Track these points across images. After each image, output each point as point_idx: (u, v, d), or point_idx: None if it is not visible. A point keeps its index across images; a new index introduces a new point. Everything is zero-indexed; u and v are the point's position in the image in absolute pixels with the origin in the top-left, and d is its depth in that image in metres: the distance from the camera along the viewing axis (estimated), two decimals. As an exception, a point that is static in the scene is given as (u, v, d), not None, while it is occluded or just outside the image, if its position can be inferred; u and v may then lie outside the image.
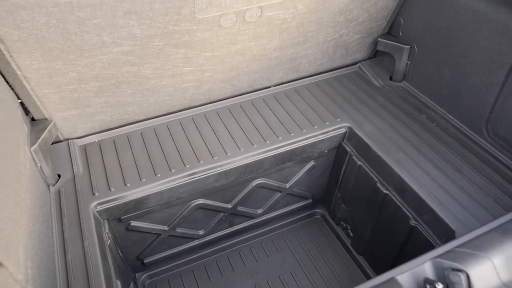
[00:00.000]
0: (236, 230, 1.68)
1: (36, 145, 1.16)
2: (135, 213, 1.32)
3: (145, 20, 1.11)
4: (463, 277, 0.66)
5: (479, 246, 0.73)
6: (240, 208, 1.58)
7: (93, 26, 1.05)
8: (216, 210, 1.52)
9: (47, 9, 0.96)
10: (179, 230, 1.51)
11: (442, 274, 0.70)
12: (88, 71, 1.18)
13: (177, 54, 1.28)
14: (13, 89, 1.13)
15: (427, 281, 0.70)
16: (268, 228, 1.78)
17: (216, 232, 1.65)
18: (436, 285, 0.67)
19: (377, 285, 0.71)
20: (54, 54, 1.08)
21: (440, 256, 0.74)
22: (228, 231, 1.67)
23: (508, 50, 1.21)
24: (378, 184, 1.40)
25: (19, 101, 1.18)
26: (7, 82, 1.09)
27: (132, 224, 1.35)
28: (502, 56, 1.23)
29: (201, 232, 1.59)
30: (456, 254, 0.73)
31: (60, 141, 1.39)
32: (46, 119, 1.28)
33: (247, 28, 1.32)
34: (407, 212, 1.29)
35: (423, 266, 0.73)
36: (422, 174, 1.29)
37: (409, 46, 1.58)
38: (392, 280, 0.72)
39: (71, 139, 1.39)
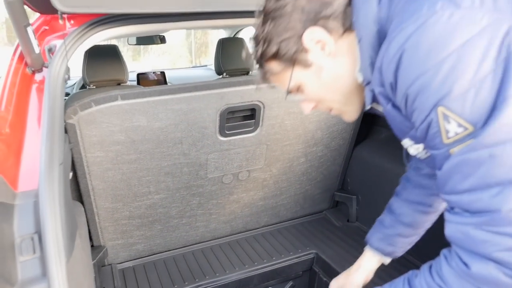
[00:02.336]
0: None
1: (94, 261, 1.71)
2: (156, 317, 1.75)
3: (176, 178, 1.80)
4: None
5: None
6: (236, 323, 1.97)
7: (145, 181, 1.74)
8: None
9: (123, 170, 1.66)
10: None
11: None
12: (136, 210, 1.82)
13: (194, 201, 1.93)
14: (88, 221, 1.74)
15: None
16: None
17: None
18: None
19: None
20: (118, 198, 1.74)
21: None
22: None
23: (408, 192, 1.86)
24: (340, 294, 1.84)
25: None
26: (86, 216, 1.72)
27: (152, 328, 1.76)
28: (406, 196, 1.87)
29: None
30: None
31: (105, 265, 1.91)
32: (100, 245, 1.85)
33: (240, 184, 2.01)
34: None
35: None
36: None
37: (355, 196, 2.24)
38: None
39: (114, 264, 1.92)
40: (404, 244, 1.26)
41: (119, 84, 2.30)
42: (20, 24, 1.11)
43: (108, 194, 1.70)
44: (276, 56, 0.88)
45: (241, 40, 3.16)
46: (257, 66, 0.95)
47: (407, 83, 0.69)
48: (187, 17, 1.33)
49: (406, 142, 0.87)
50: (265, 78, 0.95)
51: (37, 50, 1.21)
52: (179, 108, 1.59)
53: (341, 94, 0.92)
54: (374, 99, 0.84)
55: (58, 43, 1.38)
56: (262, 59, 0.91)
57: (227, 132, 1.76)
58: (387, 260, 1.33)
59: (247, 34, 3.82)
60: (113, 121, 1.51)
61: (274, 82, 0.96)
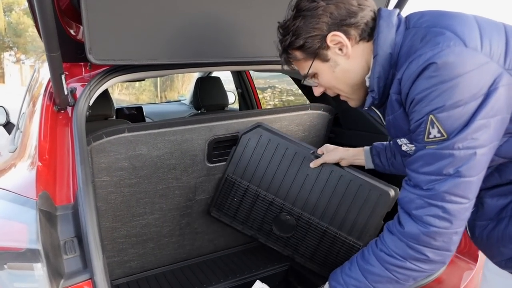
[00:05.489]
0: None
1: (96, 276, 1.92)
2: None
3: (169, 200, 2.07)
4: None
5: None
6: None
7: (142, 203, 1.99)
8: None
9: (124, 193, 1.91)
10: None
11: None
12: (132, 229, 2.05)
13: (183, 220, 2.19)
14: (90, 240, 1.96)
15: None
16: None
17: None
18: None
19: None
20: (118, 218, 1.98)
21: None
22: None
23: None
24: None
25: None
26: (89, 235, 1.94)
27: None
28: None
29: None
30: None
31: (102, 282, 2.11)
32: (99, 263, 2.05)
33: (223, 205, 2.29)
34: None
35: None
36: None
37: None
38: None
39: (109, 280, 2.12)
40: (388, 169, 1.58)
41: (105, 118, 2.58)
42: (57, 72, 1.40)
43: (109, 214, 1.94)
44: (301, 48, 1.12)
45: (217, 79, 3.53)
46: (281, 50, 1.20)
47: (417, 91, 0.96)
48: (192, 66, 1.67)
49: (403, 141, 1.17)
50: (288, 62, 1.22)
51: (66, 92, 1.49)
52: (174, 139, 1.89)
53: (348, 87, 1.17)
54: (373, 104, 1.14)
55: (77, 85, 1.67)
56: (288, 47, 1.16)
57: (213, 159, 2.07)
58: (368, 165, 1.63)
59: (220, 73, 4.19)
60: (119, 150, 1.78)
61: (295, 66, 1.22)
